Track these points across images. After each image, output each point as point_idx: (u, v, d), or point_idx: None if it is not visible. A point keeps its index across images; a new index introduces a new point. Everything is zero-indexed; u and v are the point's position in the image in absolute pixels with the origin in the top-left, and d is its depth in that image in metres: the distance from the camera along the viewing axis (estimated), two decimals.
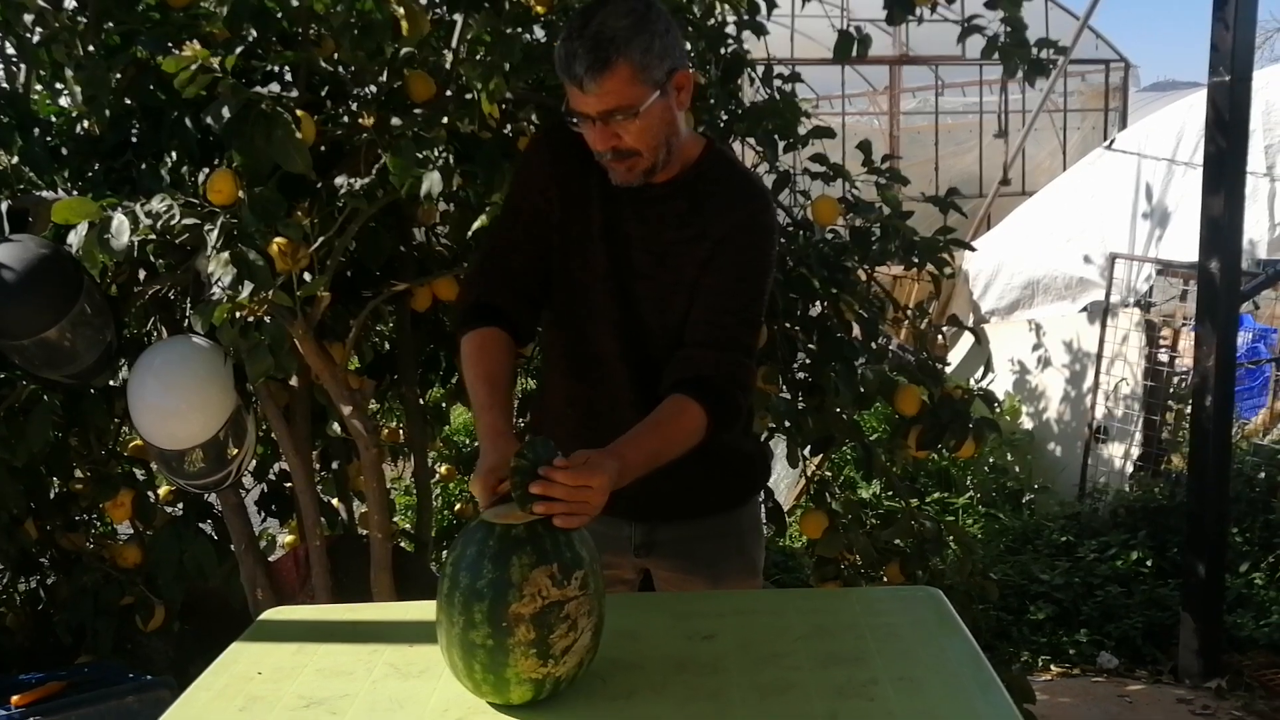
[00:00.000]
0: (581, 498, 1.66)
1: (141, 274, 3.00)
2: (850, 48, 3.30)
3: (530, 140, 2.30)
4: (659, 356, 2.10)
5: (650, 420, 1.94)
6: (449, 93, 2.87)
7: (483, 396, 2.01)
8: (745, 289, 2.08)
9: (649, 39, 1.89)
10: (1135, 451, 5.99)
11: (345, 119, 2.82)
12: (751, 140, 3.24)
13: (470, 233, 3.05)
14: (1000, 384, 6.46)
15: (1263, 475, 5.53)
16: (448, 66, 2.89)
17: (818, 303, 3.12)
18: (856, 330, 3.12)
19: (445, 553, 2.30)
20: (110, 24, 2.76)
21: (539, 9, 2.97)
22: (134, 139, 2.82)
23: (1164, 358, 5.96)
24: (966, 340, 6.35)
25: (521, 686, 1.59)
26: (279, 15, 2.78)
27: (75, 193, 2.80)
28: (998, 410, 3.59)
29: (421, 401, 3.58)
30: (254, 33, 2.73)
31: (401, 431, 3.91)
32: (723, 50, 3.26)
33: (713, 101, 3.17)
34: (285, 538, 3.76)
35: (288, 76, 2.89)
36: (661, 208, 2.09)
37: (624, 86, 1.89)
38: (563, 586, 1.57)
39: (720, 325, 2.05)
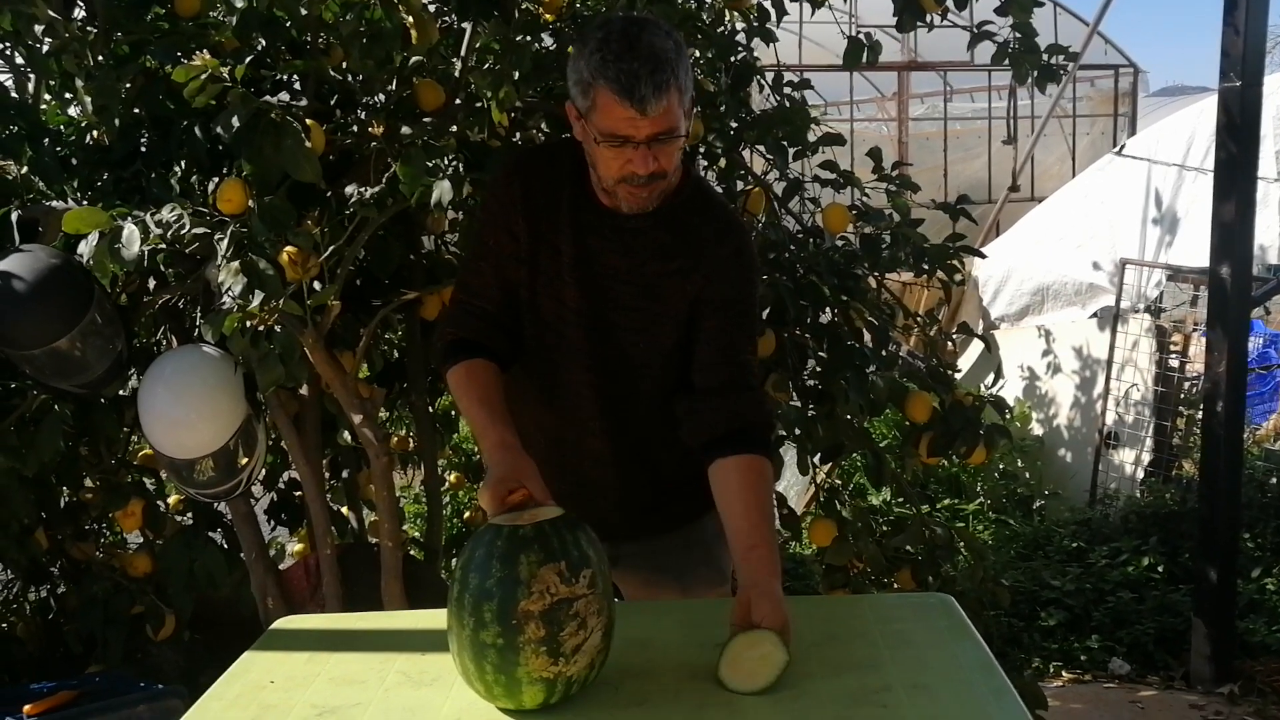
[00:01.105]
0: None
1: (152, 283, 3.00)
2: (860, 54, 3.30)
3: (497, 176, 2.25)
4: (632, 387, 2.14)
5: (751, 505, 1.97)
6: (458, 101, 2.88)
7: (483, 417, 2.01)
8: (745, 323, 2.12)
9: (686, 64, 1.91)
10: (1146, 457, 5.97)
11: (354, 128, 2.82)
12: (761, 148, 3.24)
13: None
14: (1010, 390, 6.45)
15: (1274, 481, 5.52)
16: (457, 75, 2.90)
17: (828, 310, 3.12)
18: (867, 337, 3.11)
19: (455, 560, 2.31)
20: (119, 34, 2.77)
21: (548, 17, 2.98)
22: (143, 148, 2.82)
23: (1175, 363, 5.94)
24: (976, 347, 6.33)
25: (533, 687, 1.59)
26: (288, 24, 2.79)
27: (85, 202, 2.80)
28: (1008, 417, 3.59)
29: (431, 410, 3.58)
30: (263, 42, 2.74)
31: (411, 440, 3.90)
32: (732, 58, 3.26)
33: (723, 109, 3.17)
34: (295, 546, 3.76)
35: (297, 85, 2.90)
36: (645, 239, 2.07)
37: (674, 110, 1.88)
38: (571, 584, 1.58)
39: (735, 364, 2.08)
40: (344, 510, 3.58)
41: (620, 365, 2.13)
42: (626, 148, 1.89)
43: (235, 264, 2.44)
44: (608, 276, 2.08)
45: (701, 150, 3.25)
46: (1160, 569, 5.06)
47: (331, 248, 2.56)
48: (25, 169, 2.86)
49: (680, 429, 2.10)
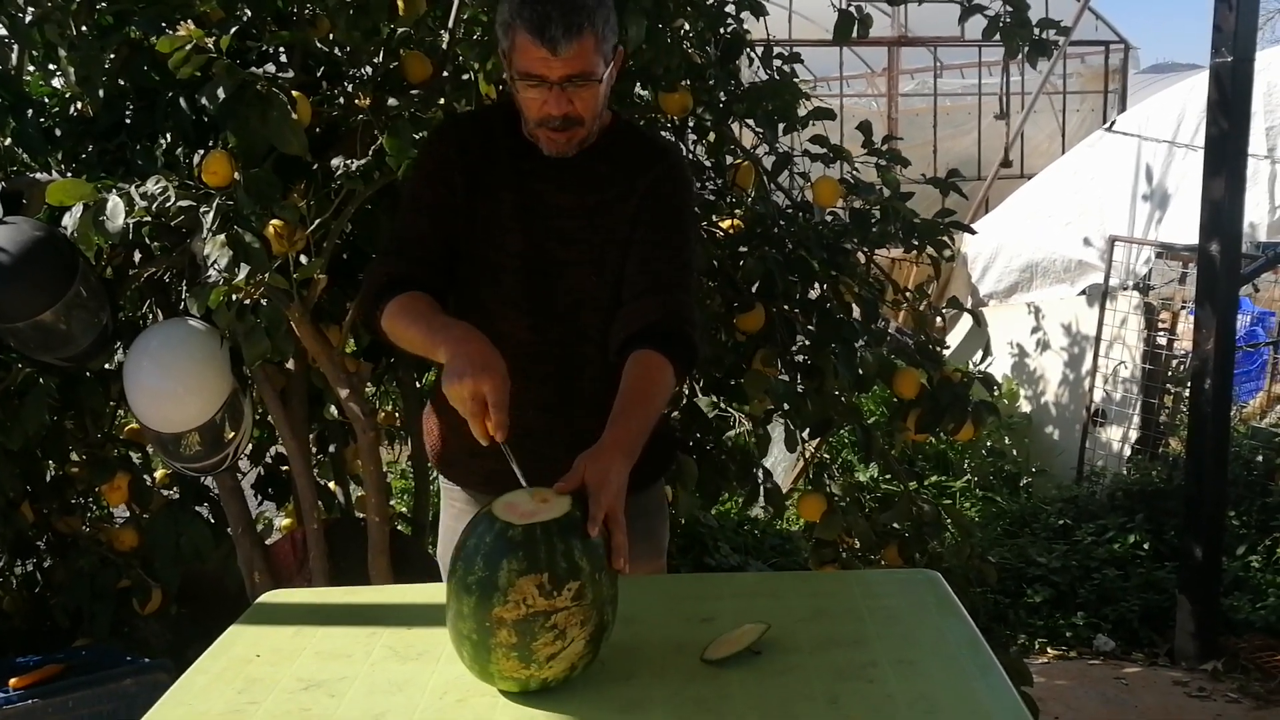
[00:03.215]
0: (613, 510, 1.67)
1: (137, 256, 2.99)
2: (851, 28, 3.28)
3: (431, 133, 2.30)
4: (576, 326, 2.15)
5: (625, 389, 1.94)
6: (445, 73, 2.86)
7: (438, 322, 1.97)
8: (674, 235, 2.13)
9: (607, 12, 1.98)
10: (1133, 435, 5.99)
11: (341, 100, 2.81)
12: (750, 121, 3.22)
13: None
14: (998, 367, 6.45)
15: (1260, 458, 5.53)
16: (444, 47, 2.88)
17: (817, 285, 3.11)
18: (856, 312, 3.11)
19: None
20: (103, 4, 2.75)
21: None
22: (128, 120, 2.80)
23: (1163, 341, 5.95)
24: (965, 323, 6.34)
25: (505, 681, 1.58)
26: None
27: (69, 174, 2.79)
28: (996, 393, 3.59)
29: (418, 385, 3.58)
30: (249, 13, 2.72)
31: (398, 415, 3.90)
32: (722, 30, 3.24)
33: (712, 82, 3.16)
34: (282, 521, 3.75)
35: (283, 57, 2.88)
36: (583, 172, 2.12)
37: (589, 54, 1.94)
38: (551, 597, 1.52)
39: (656, 272, 2.09)
40: (330, 485, 3.58)
41: (563, 304, 2.14)
42: (541, 88, 1.97)
43: (221, 237, 2.43)
44: (551, 214, 2.12)
45: (691, 123, 3.24)
46: (1146, 546, 5.08)
47: (318, 221, 2.55)
48: (8, 140, 2.84)
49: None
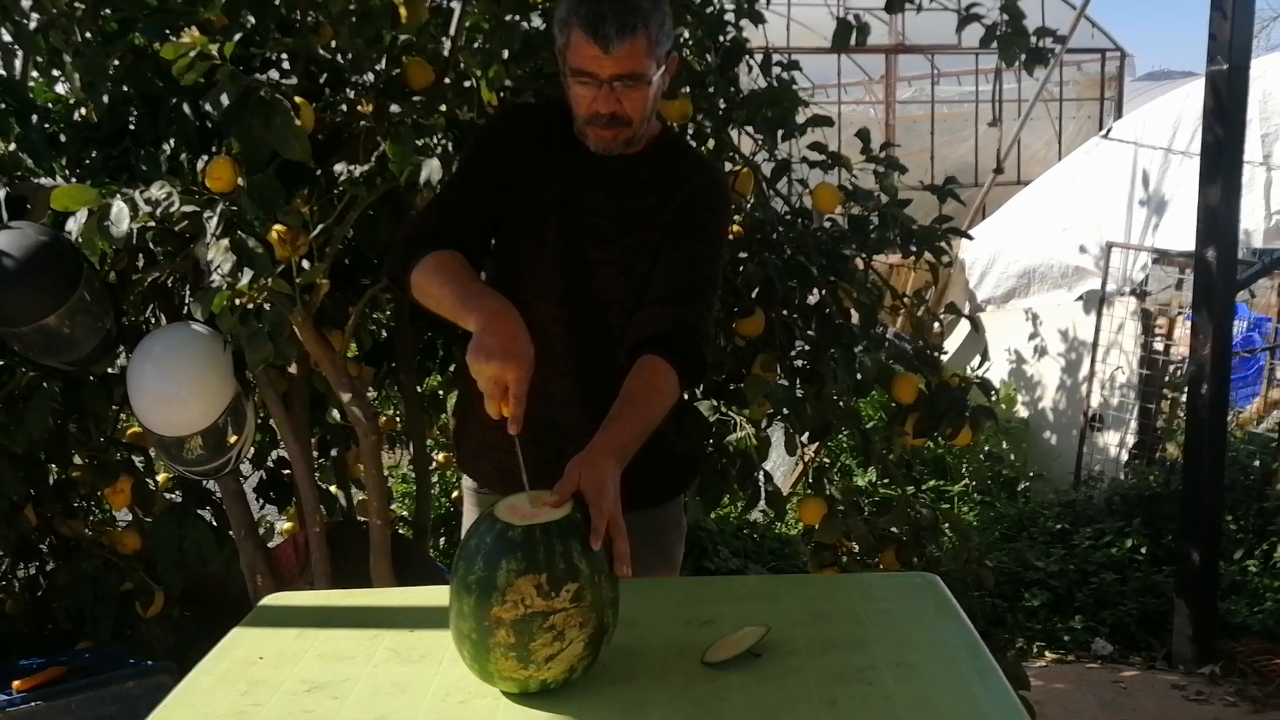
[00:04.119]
0: (614, 517, 1.66)
1: (140, 261, 2.99)
2: (849, 36, 3.29)
3: (495, 114, 2.37)
4: (602, 324, 2.16)
5: (626, 393, 1.95)
6: (448, 80, 2.87)
7: (475, 288, 1.94)
8: (702, 249, 2.15)
9: (663, 16, 2.01)
10: (1130, 440, 6.01)
11: (344, 106, 2.82)
12: (750, 128, 3.24)
13: None
14: (996, 373, 6.47)
15: (1257, 463, 5.55)
16: (446, 54, 2.89)
17: (816, 290, 3.13)
18: (855, 318, 3.12)
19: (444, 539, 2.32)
20: (108, 10, 2.76)
21: None
22: (132, 126, 2.81)
23: (1159, 346, 5.97)
24: (963, 329, 6.35)
25: (505, 682, 1.59)
26: (277, 2, 2.78)
27: (74, 180, 2.80)
28: (994, 399, 3.61)
29: (419, 389, 3.59)
30: (252, 19, 2.72)
31: (399, 419, 3.91)
32: (721, 38, 3.26)
33: (711, 89, 3.17)
34: (284, 524, 3.76)
35: (286, 64, 2.89)
36: (625, 176, 2.16)
37: (640, 55, 1.98)
38: (549, 598, 1.53)
39: (678, 282, 2.10)
40: (332, 488, 3.59)
41: (591, 301, 2.16)
42: (591, 85, 2.01)
43: (224, 242, 2.44)
44: (588, 211, 2.15)
45: (691, 130, 3.25)
46: (1143, 550, 5.09)
47: (320, 226, 2.56)
48: (13, 146, 2.84)
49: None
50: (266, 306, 2.49)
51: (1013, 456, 6.37)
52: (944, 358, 3.35)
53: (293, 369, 3.02)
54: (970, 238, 3.93)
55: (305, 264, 2.57)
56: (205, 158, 2.63)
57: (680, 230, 2.14)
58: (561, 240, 2.15)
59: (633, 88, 2.01)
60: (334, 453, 3.54)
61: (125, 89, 2.78)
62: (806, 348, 3.10)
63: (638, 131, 2.10)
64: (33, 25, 2.73)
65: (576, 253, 2.15)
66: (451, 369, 3.64)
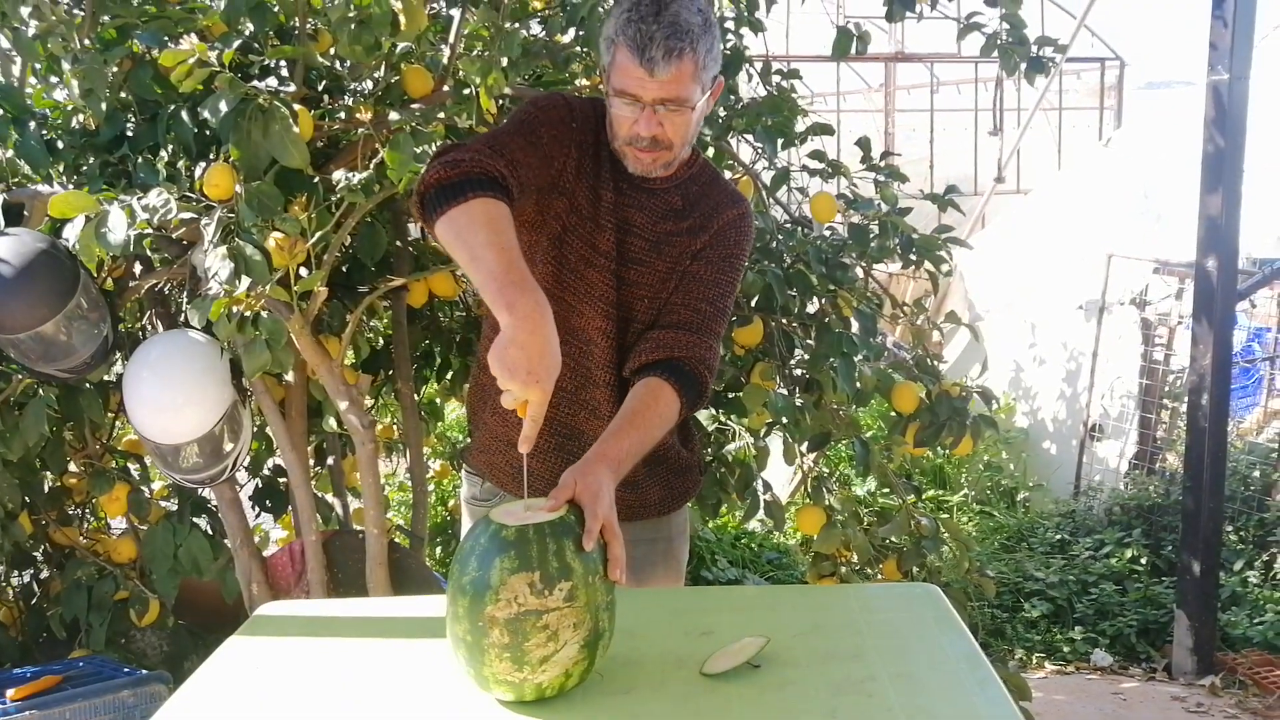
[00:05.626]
0: (609, 522, 1.66)
1: (138, 268, 2.99)
2: (849, 44, 3.29)
3: (552, 99, 2.15)
4: (635, 340, 2.15)
5: (628, 410, 1.96)
6: (446, 88, 2.87)
7: (514, 271, 1.73)
8: (725, 281, 2.16)
9: (711, 42, 1.97)
10: (1130, 450, 6.00)
11: (342, 114, 2.82)
12: (749, 136, 3.24)
13: None
14: (995, 382, 6.47)
15: (1257, 474, 5.54)
16: (445, 61, 2.89)
17: (816, 299, 3.12)
18: (854, 327, 3.12)
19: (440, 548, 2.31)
20: (107, 18, 2.75)
21: (537, 4, 2.97)
22: (130, 133, 2.81)
23: (1159, 356, 5.97)
24: (962, 338, 6.35)
25: (500, 686, 1.58)
26: (276, 9, 2.77)
27: (71, 187, 2.79)
28: (995, 408, 3.60)
29: (416, 398, 3.58)
30: (251, 27, 2.72)
31: (396, 428, 3.90)
32: (722, 46, 3.25)
33: None
34: (280, 533, 3.75)
35: (284, 71, 2.89)
36: (661, 199, 2.15)
37: (686, 80, 1.94)
38: (542, 596, 1.53)
39: (697, 310, 2.11)
40: (329, 497, 3.58)
41: (631, 316, 2.16)
42: (634, 107, 1.98)
43: (222, 249, 2.43)
44: (630, 230, 2.14)
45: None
46: (1143, 561, 5.09)
47: (318, 234, 2.55)
48: (11, 153, 2.84)
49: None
50: (264, 314, 2.49)
51: (1012, 467, 6.37)
52: (944, 367, 3.35)
53: (290, 377, 3.02)
54: (970, 247, 3.93)
55: (303, 271, 2.56)
56: (203, 165, 2.64)
57: (708, 260, 2.14)
58: (614, 252, 2.13)
59: (676, 112, 1.98)
60: (331, 461, 3.54)
61: (123, 96, 2.78)
62: (806, 357, 3.09)
63: (677, 155, 2.08)
64: (31, 32, 2.72)
65: (621, 266, 2.15)
66: (450, 376, 3.63)
